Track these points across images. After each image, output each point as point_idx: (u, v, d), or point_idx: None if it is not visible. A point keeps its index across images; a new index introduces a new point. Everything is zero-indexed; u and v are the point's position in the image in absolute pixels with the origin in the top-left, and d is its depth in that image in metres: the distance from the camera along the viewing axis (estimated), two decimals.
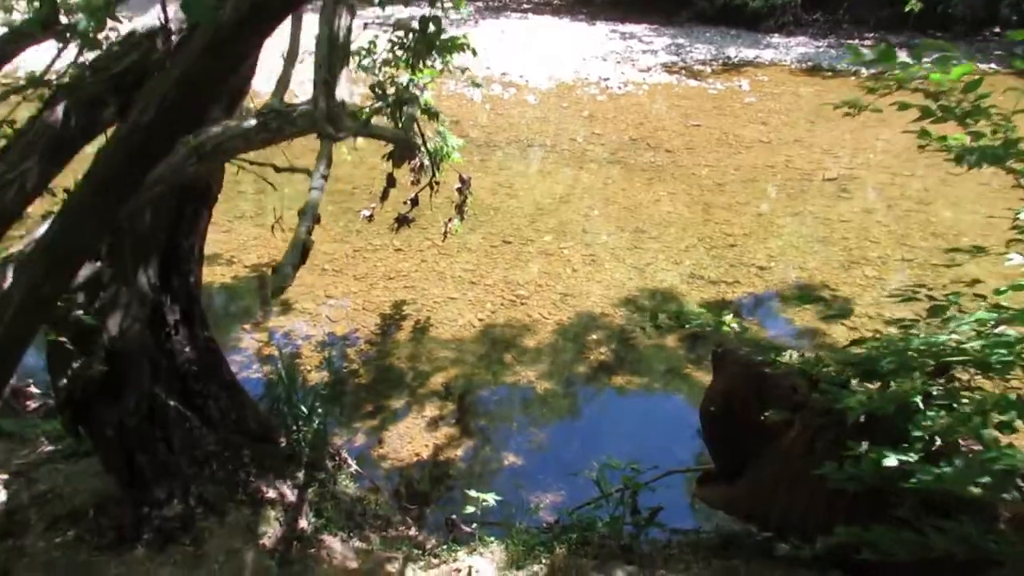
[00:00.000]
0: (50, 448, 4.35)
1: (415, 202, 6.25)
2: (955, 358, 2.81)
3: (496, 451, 5.42)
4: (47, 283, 2.06)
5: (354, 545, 3.83)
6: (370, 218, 6.55)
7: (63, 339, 3.36)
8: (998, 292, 3.02)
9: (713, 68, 17.22)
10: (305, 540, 3.69)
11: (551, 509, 4.80)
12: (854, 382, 3.08)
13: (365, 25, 5.38)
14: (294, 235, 3.30)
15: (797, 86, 15.85)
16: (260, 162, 4.10)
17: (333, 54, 3.10)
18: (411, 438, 5.48)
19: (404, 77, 4.29)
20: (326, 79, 2.89)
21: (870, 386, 2.91)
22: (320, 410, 4.59)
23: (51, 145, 2.80)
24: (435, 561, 3.85)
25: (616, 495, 4.14)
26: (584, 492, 4.59)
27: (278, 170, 4.14)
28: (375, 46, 4.67)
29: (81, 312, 3.40)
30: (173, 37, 3.02)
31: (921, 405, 2.68)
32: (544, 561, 3.79)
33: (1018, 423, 2.59)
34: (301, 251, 3.26)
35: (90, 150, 2.38)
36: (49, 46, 2.94)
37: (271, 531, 3.65)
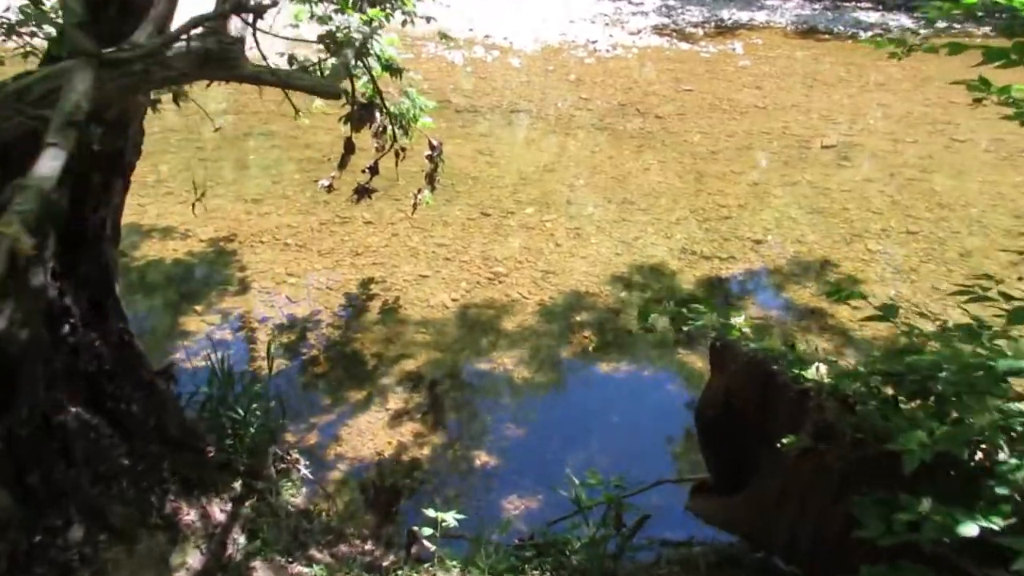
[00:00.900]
0: None
1: (374, 170, 5.63)
2: None
3: (468, 449, 4.87)
4: None
5: (293, 572, 3.29)
6: (329, 188, 5.92)
7: None
8: None
9: (705, 30, 16.53)
10: (232, 569, 3.13)
11: (526, 518, 4.27)
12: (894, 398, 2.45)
13: None
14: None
15: (793, 49, 15.21)
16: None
17: None
18: (373, 434, 4.93)
19: (353, 20, 3.65)
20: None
21: (917, 411, 2.25)
22: (259, 412, 4.01)
23: None
24: None
25: (597, 512, 3.61)
26: (564, 498, 4.06)
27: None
28: None
29: None
30: None
31: (1005, 448, 2.07)
32: None
33: None
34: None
35: None
36: None
37: (190, 561, 3.09)
